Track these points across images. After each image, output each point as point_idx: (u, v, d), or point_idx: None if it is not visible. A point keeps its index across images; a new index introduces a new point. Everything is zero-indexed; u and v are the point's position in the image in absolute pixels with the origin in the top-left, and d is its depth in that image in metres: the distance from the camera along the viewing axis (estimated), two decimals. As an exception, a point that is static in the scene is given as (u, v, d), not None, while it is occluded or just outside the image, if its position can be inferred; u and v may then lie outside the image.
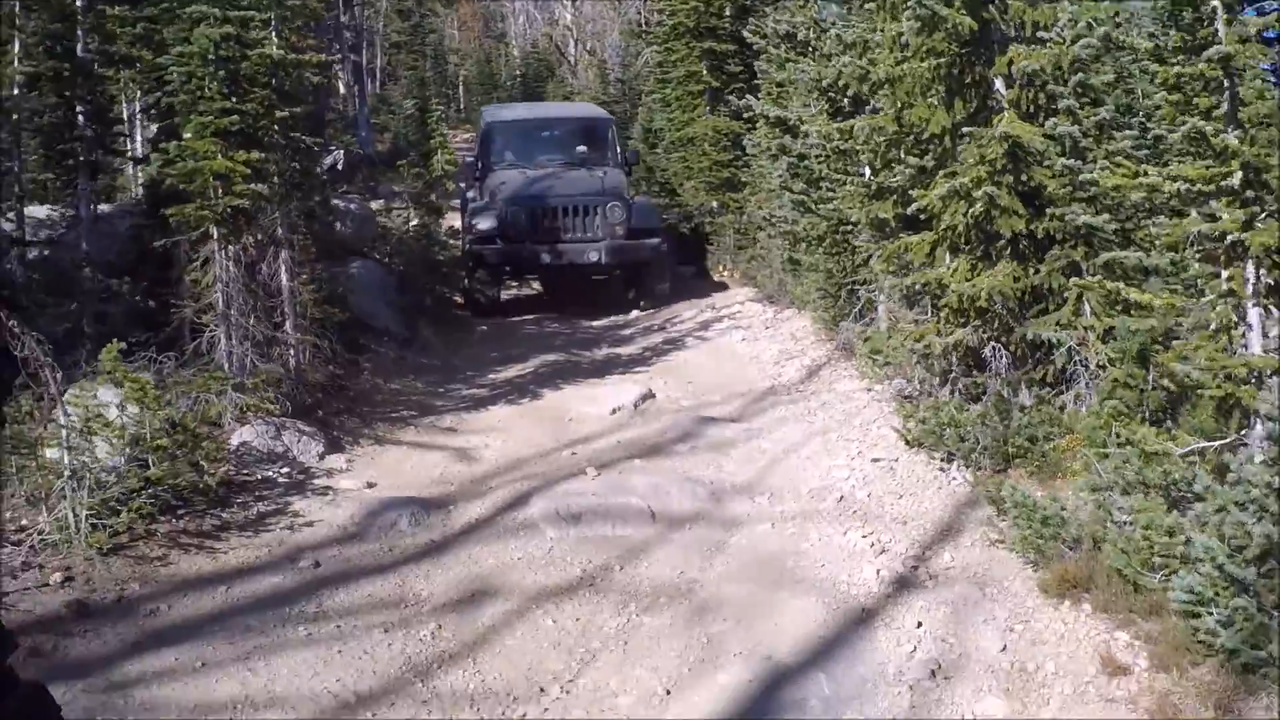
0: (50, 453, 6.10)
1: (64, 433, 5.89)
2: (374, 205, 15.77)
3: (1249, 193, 4.86)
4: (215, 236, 7.70)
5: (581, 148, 15.51)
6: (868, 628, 4.95)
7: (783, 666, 4.60)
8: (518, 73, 50.57)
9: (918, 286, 7.40)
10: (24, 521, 5.97)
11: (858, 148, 8.53)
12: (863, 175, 8.61)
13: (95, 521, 5.77)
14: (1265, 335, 5.02)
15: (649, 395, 9.21)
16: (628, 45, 37.99)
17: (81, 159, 9.41)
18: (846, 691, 4.43)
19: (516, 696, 4.59)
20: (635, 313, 13.70)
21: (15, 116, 9.21)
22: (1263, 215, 4.88)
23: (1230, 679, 4.13)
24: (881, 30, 8.03)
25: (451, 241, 14.00)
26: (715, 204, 15.53)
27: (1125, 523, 4.92)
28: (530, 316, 13.60)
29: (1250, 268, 4.98)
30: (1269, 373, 4.83)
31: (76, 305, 8.56)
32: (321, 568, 5.78)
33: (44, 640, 4.92)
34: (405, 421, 8.61)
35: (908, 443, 7.00)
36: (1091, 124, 6.62)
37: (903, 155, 7.73)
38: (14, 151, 9.27)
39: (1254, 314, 4.99)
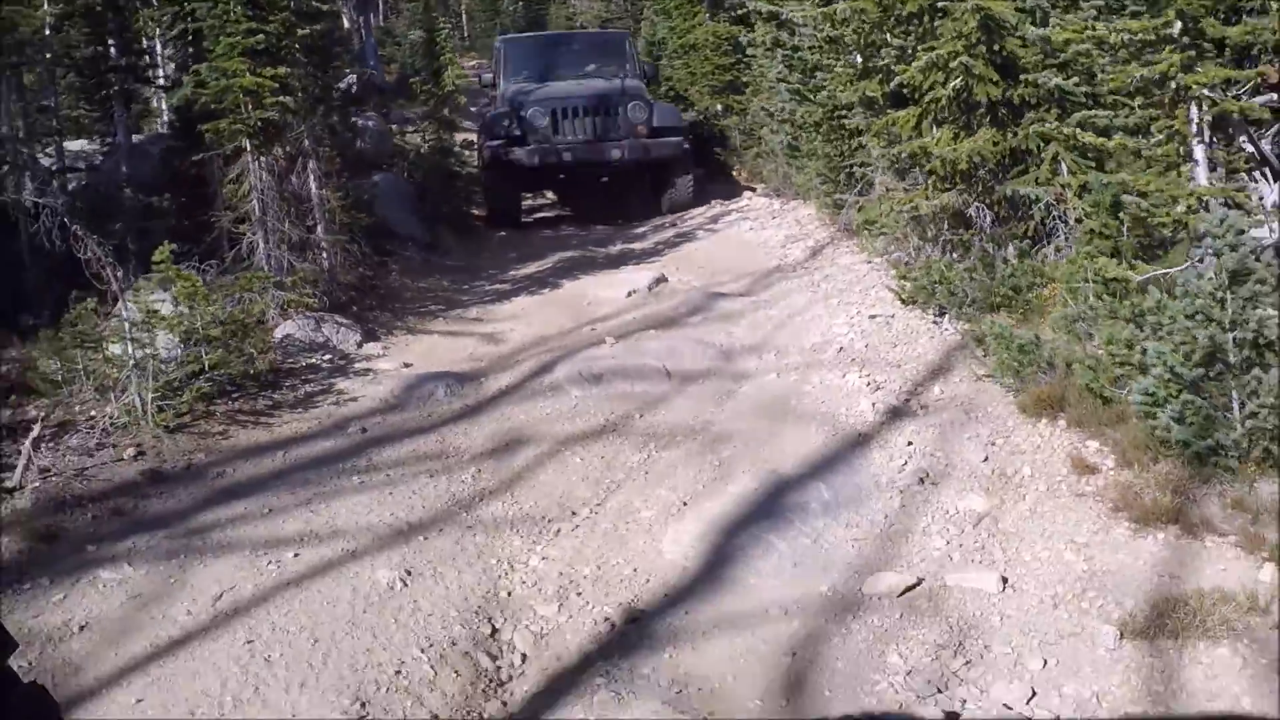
0: (114, 349, 6.65)
1: (126, 327, 6.43)
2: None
3: (1186, 39, 5.31)
4: (249, 149, 8.20)
5: (596, 63, 15.49)
6: (863, 448, 5.48)
7: (786, 478, 5.14)
8: (519, -1, 50.38)
9: (905, 156, 7.86)
10: (93, 412, 6.54)
11: (845, 34, 8.96)
12: (852, 59, 9.05)
13: (160, 404, 6.32)
14: (1211, 169, 5.48)
15: (662, 279, 9.73)
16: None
17: (116, 89, 9.89)
18: (843, 497, 4.97)
19: (551, 519, 5.16)
20: (657, 219, 13.67)
21: (49, 55, 9.70)
22: (1200, 60, 5.32)
23: (1185, 470, 4.61)
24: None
25: (466, 153, 14.41)
26: (720, 107, 15.86)
27: (1093, 345, 5.43)
28: (548, 228, 13.86)
29: (1193, 108, 5.43)
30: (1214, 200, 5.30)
31: (120, 225, 9.09)
32: (368, 432, 6.34)
33: (124, 502, 5.49)
34: (433, 314, 9.15)
35: (903, 301, 7.48)
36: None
37: (886, 36, 8.18)
38: (51, 88, 9.77)
39: (1199, 150, 5.45)
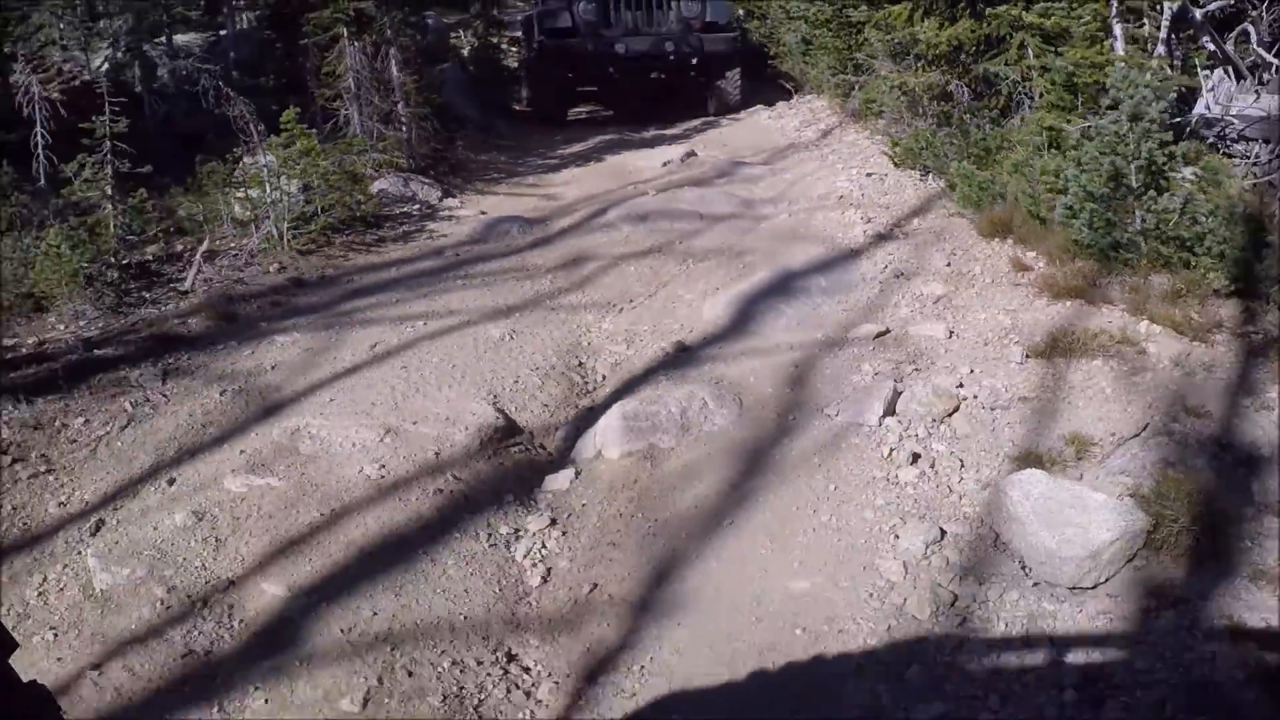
0: (252, 192, 8.21)
1: (265, 172, 8.00)
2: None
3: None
4: (345, 36, 9.72)
5: None
6: (854, 258, 7.02)
7: (794, 272, 6.69)
8: None
9: (899, 43, 9.32)
10: (233, 244, 8.10)
11: None
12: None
13: (293, 233, 7.92)
14: (1126, 42, 6.96)
15: (692, 154, 11.25)
16: None
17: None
18: (837, 285, 6.53)
19: (614, 303, 6.74)
20: (707, 127, 13.58)
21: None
22: None
23: (1095, 265, 6.13)
24: None
25: (512, 49, 15.77)
26: (741, 12, 17.13)
27: (1035, 179, 6.93)
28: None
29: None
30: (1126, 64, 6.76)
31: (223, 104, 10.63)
32: (460, 256, 7.92)
33: (279, 298, 7.07)
34: (497, 180, 10.72)
35: (895, 163, 8.97)
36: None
37: None
38: None
39: (1117, 27, 6.93)
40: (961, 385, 5.09)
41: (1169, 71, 7.61)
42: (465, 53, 15.17)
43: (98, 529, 4.48)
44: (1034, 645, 3.51)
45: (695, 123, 13.70)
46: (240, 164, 8.60)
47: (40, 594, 4.16)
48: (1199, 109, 7.92)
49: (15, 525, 4.54)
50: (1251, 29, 9.92)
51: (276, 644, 3.84)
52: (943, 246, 6.98)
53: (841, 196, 8.50)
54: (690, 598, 3.98)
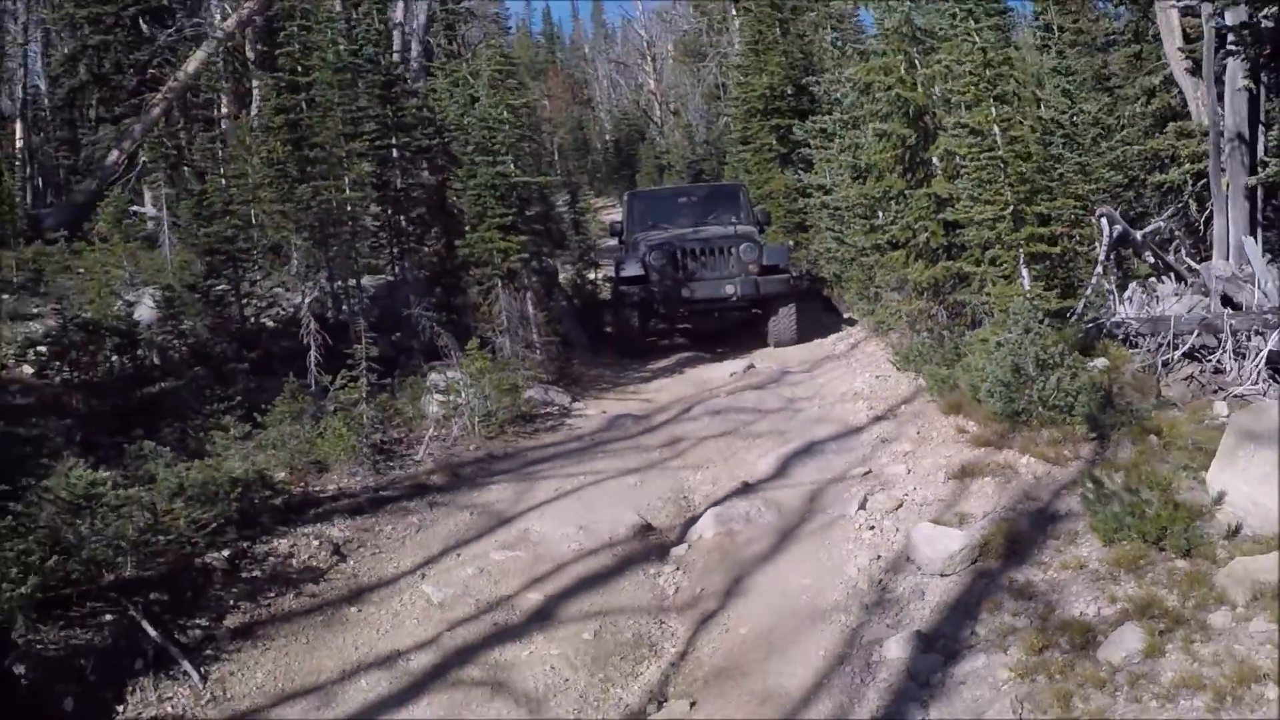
0: (449, 396, 12.56)
1: (459, 383, 12.38)
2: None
3: (1013, 216, 11.14)
4: (499, 285, 14.29)
5: (714, 211, 18.77)
6: (858, 432, 11.23)
7: (817, 441, 10.94)
8: (609, 137, 56.68)
9: (895, 280, 13.67)
10: (437, 431, 12.40)
11: (859, 205, 14.87)
12: (866, 220, 14.94)
13: (480, 424, 12.24)
14: (1029, 281, 11.25)
15: (751, 366, 15.61)
16: (709, 107, 44.13)
17: (402, 247, 15.97)
18: (843, 448, 10.73)
19: (701, 464, 10.98)
20: (767, 354, 16.72)
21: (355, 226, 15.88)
22: (1011, 217, 11.14)
23: (1005, 425, 10.22)
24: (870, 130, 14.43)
25: (603, 283, 20.33)
26: (791, 243, 21.65)
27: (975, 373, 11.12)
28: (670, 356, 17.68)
29: (1020, 251, 11.23)
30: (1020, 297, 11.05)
31: (402, 333, 15.10)
32: (595, 440, 12.21)
33: (483, 465, 11.30)
34: (607, 389, 15.07)
35: (896, 367, 13.22)
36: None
37: (882, 207, 14.08)
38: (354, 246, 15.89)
39: (1025, 272, 11.23)
40: (906, 495, 9.21)
41: (1106, 285, 11.91)
42: (567, 287, 19.78)
43: (423, 576, 8.68)
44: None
45: (754, 342, 17.86)
46: (427, 377, 13.04)
47: (399, 607, 8.32)
48: (1117, 316, 12.23)
49: (370, 578, 8.75)
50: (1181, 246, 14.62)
51: (544, 620, 7.98)
52: (916, 422, 11.15)
53: (855, 393, 12.77)
54: (751, 591, 8.08)
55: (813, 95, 21.59)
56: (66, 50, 30.02)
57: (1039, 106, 15.80)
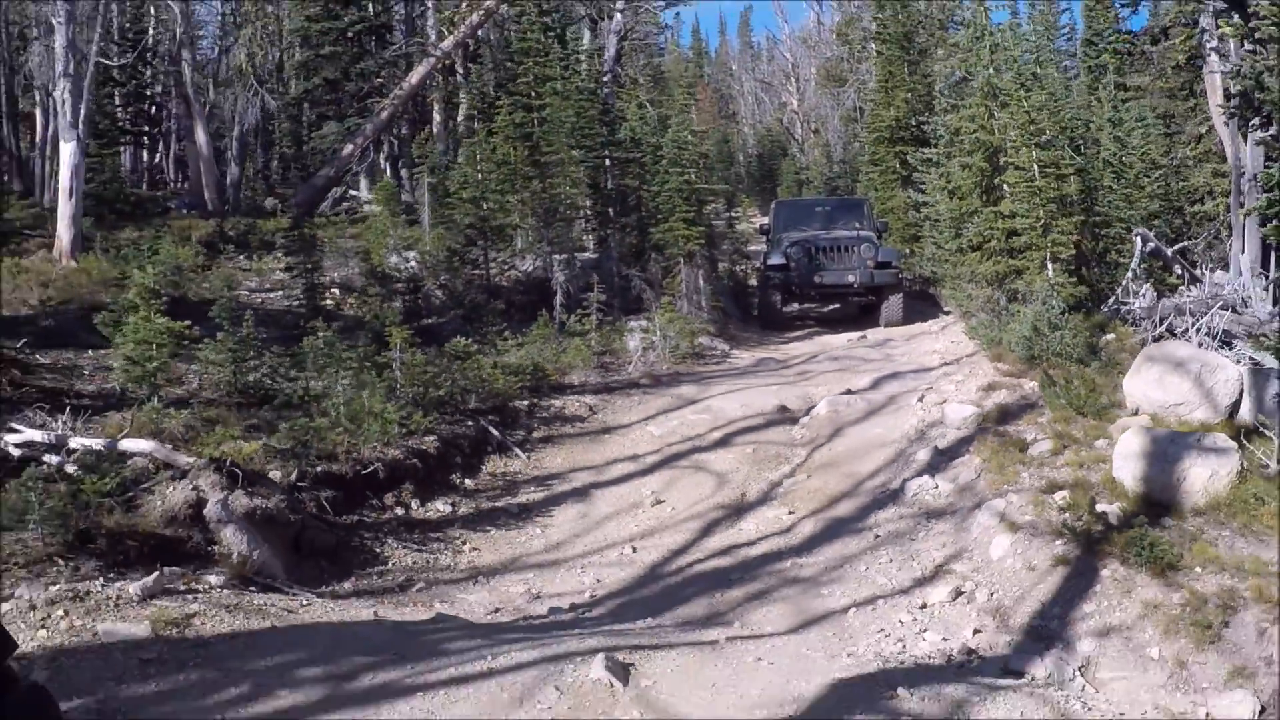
0: (640, 334, 18.66)
1: (658, 322, 18.47)
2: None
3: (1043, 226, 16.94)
4: (682, 262, 20.39)
5: (844, 218, 24.22)
6: (928, 370, 17.07)
7: (900, 373, 16.87)
8: (752, 151, 62.56)
9: (969, 273, 19.47)
10: (638, 355, 18.50)
11: (952, 217, 20.71)
12: (955, 230, 20.76)
13: (672, 354, 18.31)
14: (1053, 272, 17.03)
15: (864, 335, 21.51)
16: (846, 128, 49.89)
17: (607, 231, 22.15)
18: (917, 376, 16.62)
19: (821, 384, 16.92)
20: (878, 328, 22.14)
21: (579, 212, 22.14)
22: (1040, 228, 16.94)
23: (1026, 364, 15.93)
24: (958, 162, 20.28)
25: (750, 273, 26.48)
26: (908, 250, 27.38)
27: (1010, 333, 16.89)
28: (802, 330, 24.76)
29: (1047, 253, 17.00)
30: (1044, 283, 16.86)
31: (608, 292, 21.29)
32: (747, 370, 18.26)
33: (672, 377, 17.40)
34: (754, 345, 21.12)
35: (968, 336, 18.95)
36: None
37: (966, 220, 19.93)
38: (569, 226, 22.15)
39: (1050, 266, 16.98)
40: (949, 396, 15.03)
41: (1134, 286, 17.62)
42: (724, 275, 25.88)
43: (646, 422, 14.75)
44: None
45: (870, 322, 23.82)
46: (626, 323, 19.19)
47: (634, 436, 14.37)
48: (1130, 306, 17.96)
49: (614, 422, 14.88)
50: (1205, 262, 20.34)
51: (723, 444, 14.00)
52: (970, 364, 16.94)
53: (934, 351, 18.63)
54: (845, 436, 14.00)
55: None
56: (300, 58, 36.93)
57: (1095, 147, 21.49)
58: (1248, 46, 19.04)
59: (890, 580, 9.65)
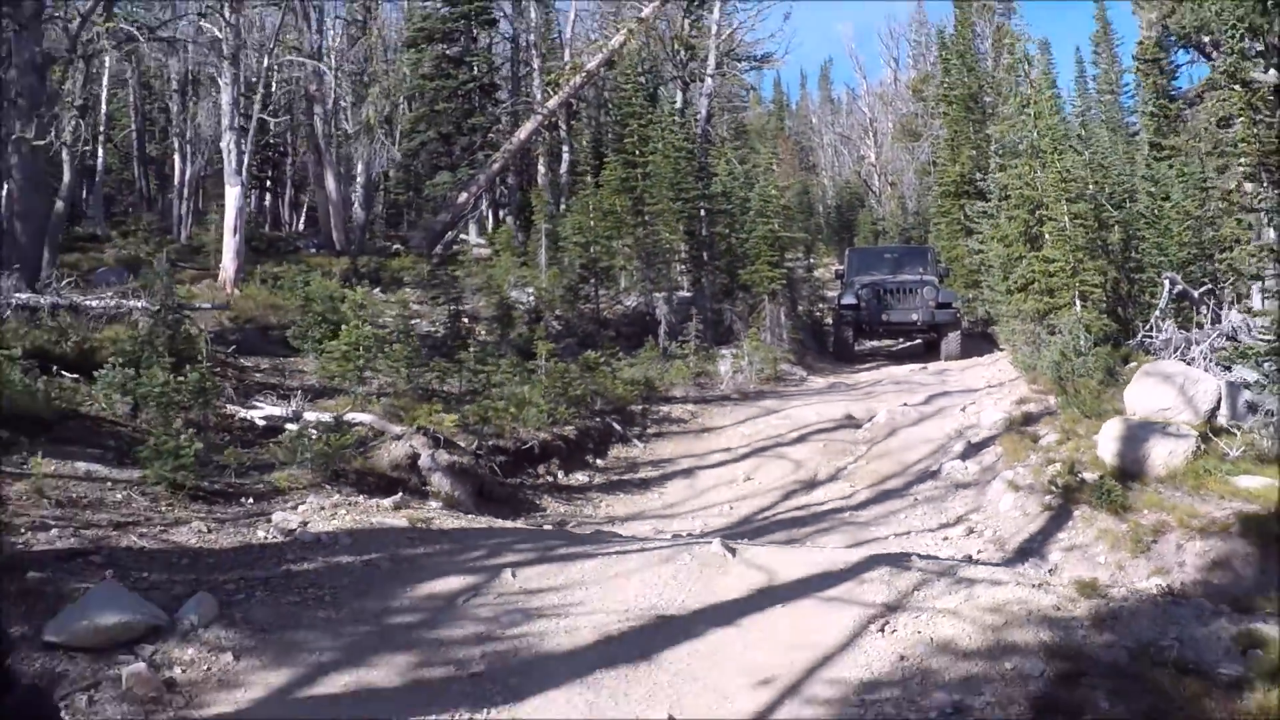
0: (731, 359, 22.35)
1: (744, 352, 22.16)
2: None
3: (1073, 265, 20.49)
4: (766, 300, 24.10)
5: (910, 264, 27.80)
6: (974, 391, 20.65)
7: (950, 393, 20.44)
8: (831, 202, 66.11)
9: (1015, 311, 22.98)
10: (729, 375, 22.18)
11: (1002, 262, 24.26)
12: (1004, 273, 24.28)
13: (757, 375, 21.98)
14: (1080, 309, 20.58)
15: (924, 366, 25.12)
16: (920, 181, 53.44)
17: (700, 272, 25.95)
18: (964, 395, 20.18)
19: (880, 400, 20.54)
20: (938, 362, 26.11)
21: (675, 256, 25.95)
22: (1069, 270, 20.48)
23: (1055, 385, 19.43)
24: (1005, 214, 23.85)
25: (825, 313, 30.18)
26: (970, 295, 30.93)
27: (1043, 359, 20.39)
28: (870, 362, 29.00)
29: (1076, 291, 20.53)
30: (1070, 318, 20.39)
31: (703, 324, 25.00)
32: (821, 390, 21.91)
33: (758, 393, 21.09)
34: (828, 373, 24.79)
35: (1013, 366, 22.50)
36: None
37: (1013, 265, 23.49)
38: (667, 266, 25.96)
39: (1078, 303, 20.50)
40: (985, 408, 18.57)
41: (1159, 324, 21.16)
42: (803, 315, 29.56)
43: (737, 425, 18.43)
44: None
45: (932, 358, 27.46)
46: (718, 350, 22.89)
47: (728, 435, 18.05)
48: (1153, 340, 21.43)
49: (711, 425, 18.57)
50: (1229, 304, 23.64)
51: (799, 440, 17.65)
52: (1010, 387, 20.45)
53: (982, 378, 22.20)
54: (898, 435, 17.57)
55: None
56: (415, 113, 41.06)
57: (1130, 200, 24.98)
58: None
59: (922, 524, 13.21)
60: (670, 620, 8.28)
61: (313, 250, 34.15)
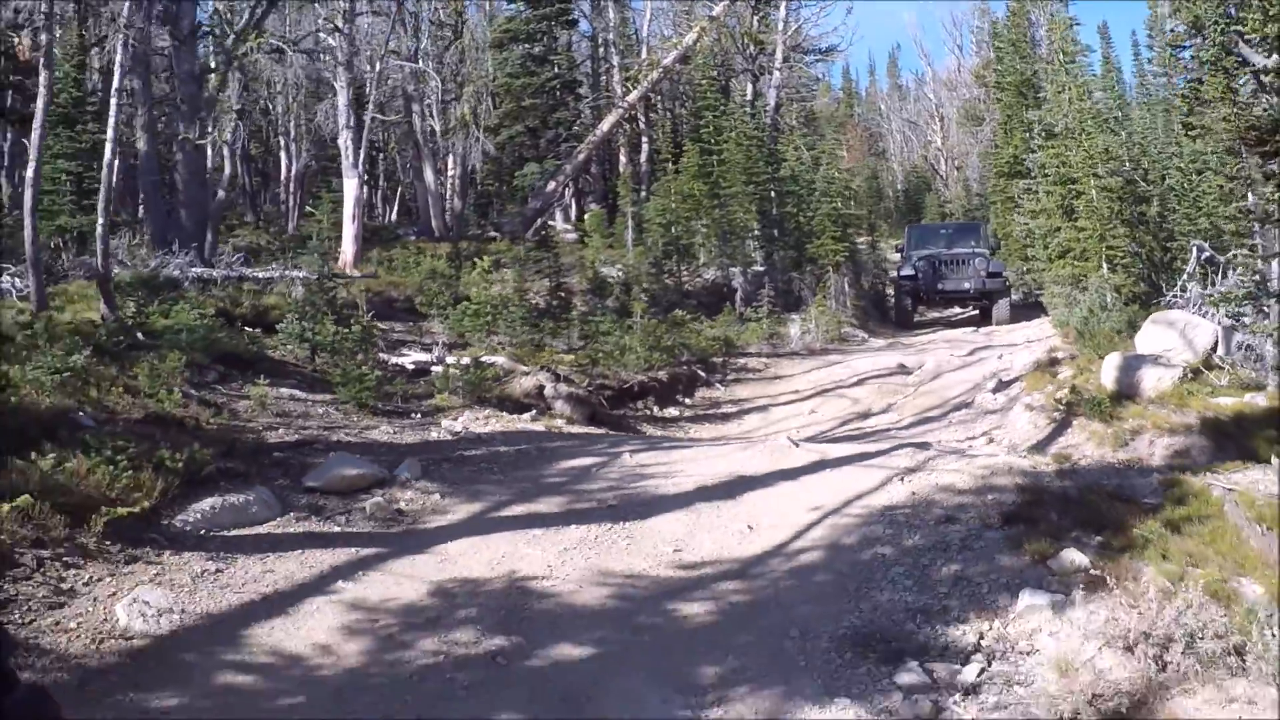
0: (800, 323, 25.60)
1: (813, 313, 25.42)
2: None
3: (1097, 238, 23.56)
4: (831, 271, 27.36)
5: (963, 238, 31.04)
6: (1014, 346, 23.79)
7: (991, 347, 23.61)
8: (900, 186, 69.01)
9: (1055, 276, 26.03)
10: (798, 336, 25.44)
11: (1043, 233, 27.33)
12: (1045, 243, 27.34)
13: (823, 336, 25.24)
14: (1107, 270, 23.62)
15: (975, 329, 28.26)
16: (983, 164, 56.23)
17: (772, 248, 29.26)
18: (1005, 352, 23.35)
19: (931, 353, 23.74)
20: (990, 326, 29.09)
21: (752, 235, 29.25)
22: (1097, 237, 23.56)
23: (1083, 339, 22.52)
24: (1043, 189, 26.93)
25: (887, 285, 33.39)
26: (1023, 268, 33.88)
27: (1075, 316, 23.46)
28: (927, 328, 32.29)
29: (1101, 246, 23.60)
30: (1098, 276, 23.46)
31: (774, 294, 28.26)
32: (880, 348, 25.17)
33: (824, 350, 24.37)
34: (888, 335, 28.02)
35: (1054, 326, 25.57)
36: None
37: (1052, 235, 26.57)
38: (742, 243, 29.25)
39: (1104, 266, 23.58)
40: (1018, 357, 21.70)
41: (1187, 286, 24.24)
42: (866, 286, 32.71)
43: (805, 373, 21.73)
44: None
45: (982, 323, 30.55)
46: (786, 316, 26.16)
47: (796, 380, 21.34)
48: (1179, 300, 24.51)
49: (781, 373, 21.89)
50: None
51: (858, 384, 20.91)
52: (1044, 341, 23.53)
53: (1025, 336, 25.30)
54: (941, 378, 20.74)
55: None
56: (504, 109, 44.49)
57: (1162, 177, 27.98)
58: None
59: (952, 437, 16.40)
60: (748, 478, 11.58)
61: (412, 236, 37.65)
